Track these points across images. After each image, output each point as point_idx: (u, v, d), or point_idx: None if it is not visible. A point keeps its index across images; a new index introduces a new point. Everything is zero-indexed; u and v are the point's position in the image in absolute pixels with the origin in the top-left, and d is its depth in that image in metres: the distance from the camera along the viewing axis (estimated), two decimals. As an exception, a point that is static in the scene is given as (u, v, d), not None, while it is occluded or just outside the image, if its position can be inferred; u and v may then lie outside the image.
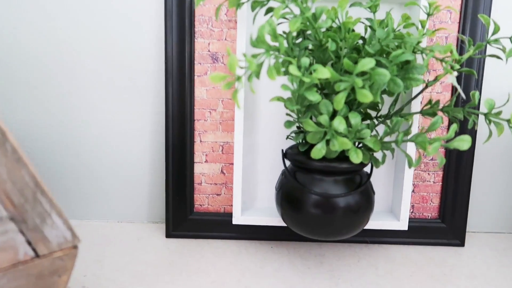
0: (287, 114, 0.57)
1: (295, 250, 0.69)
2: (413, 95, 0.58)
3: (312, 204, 0.55)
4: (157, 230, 0.75)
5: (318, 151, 0.51)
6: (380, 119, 0.59)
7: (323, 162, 0.55)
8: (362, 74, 0.49)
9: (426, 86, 0.56)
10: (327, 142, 0.52)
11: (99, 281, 0.58)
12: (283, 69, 0.52)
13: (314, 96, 0.49)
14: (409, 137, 0.51)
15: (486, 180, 0.74)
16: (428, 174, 0.70)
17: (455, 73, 0.48)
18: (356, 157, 0.51)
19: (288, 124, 0.54)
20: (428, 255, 0.68)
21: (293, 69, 0.46)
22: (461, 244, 0.70)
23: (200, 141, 0.70)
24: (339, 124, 0.50)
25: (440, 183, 0.70)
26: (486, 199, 0.75)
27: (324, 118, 0.50)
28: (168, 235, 0.71)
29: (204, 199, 0.71)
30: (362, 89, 0.46)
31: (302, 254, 0.67)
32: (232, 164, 0.70)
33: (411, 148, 0.63)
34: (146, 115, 0.73)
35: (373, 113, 0.63)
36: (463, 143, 0.47)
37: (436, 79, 0.54)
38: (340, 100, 0.48)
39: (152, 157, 0.75)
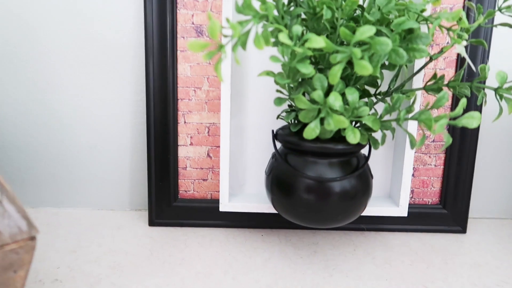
0: (278, 91, 0.52)
1: (287, 238, 0.64)
2: (415, 70, 0.53)
3: (304, 189, 0.50)
4: (140, 218, 0.70)
5: (311, 131, 0.46)
6: (379, 97, 0.54)
7: (316, 143, 0.50)
8: (361, 44, 0.44)
9: (430, 60, 0.50)
10: (321, 120, 0.47)
11: (73, 273, 0.53)
12: (272, 40, 0.47)
13: (307, 69, 0.43)
14: (411, 114, 0.46)
15: (490, 162, 0.70)
16: (429, 157, 0.65)
17: (464, 43, 0.43)
18: (353, 137, 0.46)
19: (278, 101, 0.49)
20: (428, 242, 0.64)
21: (283, 37, 0.41)
22: (463, 230, 0.67)
23: (185, 122, 0.64)
24: (335, 100, 0.45)
25: (442, 167, 0.65)
26: (489, 182, 0.71)
27: (318, 94, 0.45)
28: (151, 223, 0.67)
29: (189, 185, 0.67)
30: (361, 60, 0.41)
31: (295, 242, 0.63)
32: (219, 147, 0.64)
33: (412, 129, 0.58)
34: (125, 95, 0.68)
35: (371, 91, 0.57)
36: (472, 120, 0.42)
37: (441, 51, 0.49)
38: (336, 73, 0.43)
39: (134, 140, 0.70)
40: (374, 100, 0.55)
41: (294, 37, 0.44)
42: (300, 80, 0.50)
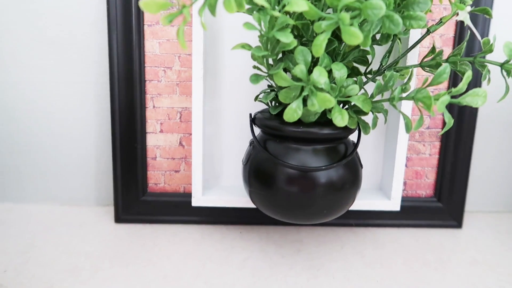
0: (255, 67, 0.45)
1: (268, 235, 0.58)
2: (409, 46, 0.47)
3: (286, 180, 0.44)
4: (106, 215, 0.63)
5: (293, 112, 0.40)
6: (370, 76, 0.48)
7: (299, 127, 0.44)
8: (350, 11, 0.38)
9: (428, 32, 0.45)
10: (304, 100, 0.41)
11: (20, 278, 0.46)
12: (248, 7, 0.40)
13: (287, 37, 0.37)
14: (407, 93, 0.40)
15: (488, 152, 0.65)
16: (423, 145, 0.59)
17: (468, 8, 0.37)
18: (341, 119, 0.40)
19: (255, 78, 0.42)
20: (422, 239, 0.58)
21: (258, -2, 0.35)
22: (459, 225, 0.61)
23: (153, 106, 0.57)
24: (320, 76, 0.38)
25: (437, 156, 0.60)
26: (486, 173, 0.66)
27: (300, 69, 0.39)
28: (117, 219, 0.60)
29: (160, 177, 0.60)
30: (350, 27, 0.35)
31: (276, 240, 0.57)
32: (193, 134, 0.58)
33: (406, 110, 0.52)
34: (88, 76, 0.61)
35: (361, 69, 0.51)
36: (477, 98, 0.37)
37: (440, 21, 0.43)
38: (320, 43, 0.37)
39: (99, 128, 0.63)
40: (364, 79, 0.49)
41: (272, 0, 0.37)
42: (280, 55, 0.44)
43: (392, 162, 0.56)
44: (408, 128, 0.40)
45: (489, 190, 0.66)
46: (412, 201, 0.60)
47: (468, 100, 0.37)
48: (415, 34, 0.48)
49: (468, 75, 0.35)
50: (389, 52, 0.46)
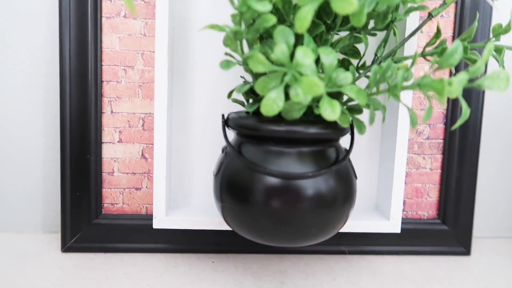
0: (227, 54, 0.38)
1: (246, 265, 0.49)
2: (407, 34, 0.41)
3: (264, 191, 0.36)
4: (52, 243, 0.53)
5: (272, 103, 0.32)
6: (362, 70, 0.41)
7: (281, 125, 0.36)
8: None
9: (430, 17, 0.38)
10: (287, 94, 0.33)
11: None
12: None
13: (263, 5, 0.30)
14: (410, 82, 0.33)
15: (494, 165, 0.58)
16: (423, 158, 0.52)
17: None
18: (331, 112, 0.32)
19: (226, 63, 0.35)
20: (426, 268, 0.49)
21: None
22: (467, 252, 0.53)
23: (111, 111, 0.49)
24: (304, 56, 0.31)
25: (439, 171, 0.52)
26: (492, 194, 0.58)
27: (281, 49, 0.32)
28: (65, 248, 0.50)
29: (118, 196, 0.50)
30: (341, -10, 0.28)
31: (255, 271, 0.47)
32: (157, 144, 0.49)
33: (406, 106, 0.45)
34: (36, 77, 0.52)
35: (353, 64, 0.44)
36: (498, 82, 0.30)
37: (444, 3, 0.37)
38: (305, 16, 0.30)
39: (48, 139, 0.54)
40: (356, 75, 0.42)
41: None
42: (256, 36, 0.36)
43: (389, 176, 0.48)
44: (414, 122, 0.33)
45: (496, 213, 0.59)
46: (413, 223, 0.52)
47: (487, 83, 0.29)
48: (413, 20, 0.41)
49: (490, 48, 0.28)
50: (384, 41, 0.39)
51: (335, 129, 0.37)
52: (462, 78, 0.27)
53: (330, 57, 0.34)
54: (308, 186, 0.36)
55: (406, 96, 0.44)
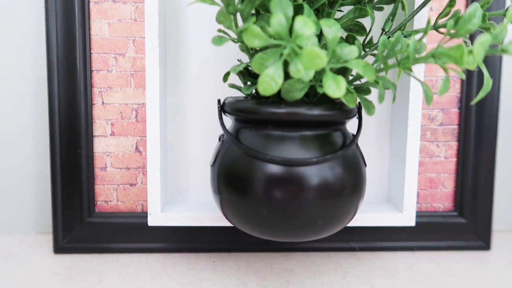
0: (220, 31, 0.35)
1: (249, 264, 0.45)
2: (416, 6, 0.37)
3: (265, 180, 0.33)
4: (45, 244, 0.50)
5: (270, 80, 0.29)
6: (369, 47, 0.38)
7: (281, 106, 0.33)
8: None
9: (442, -14, 0.35)
10: (285, 65, 0.30)
11: None
12: None
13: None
14: (423, 54, 0.30)
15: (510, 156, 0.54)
16: (437, 146, 0.48)
17: None
18: (336, 88, 0.29)
19: (218, 39, 0.32)
20: (443, 264, 0.46)
21: None
22: (487, 247, 0.49)
23: (102, 103, 0.46)
24: (304, 26, 0.28)
25: (455, 159, 0.49)
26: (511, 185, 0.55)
27: (279, 20, 0.29)
28: (57, 249, 0.47)
29: (111, 192, 0.48)
30: None
31: (259, 270, 0.44)
32: (152, 137, 0.46)
33: (416, 83, 0.42)
34: (22, 68, 0.50)
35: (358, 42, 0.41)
36: (525, 47, 0.26)
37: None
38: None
39: (38, 135, 0.51)
40: (363, 53, 0.38)
41: None
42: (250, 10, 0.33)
43: (401, 164, 0.44)
44: (429, 98, 0.29)
45: (517, 203, 0.55)
46: (427, 216, 0.48)
47: (510, 48, 0.26)
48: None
49: (510, 14, 0.25)
50: (392, 14, 0.36)
51: (341, 110, 0.34)
52: (484, 40, 0.24)
53: (333, 29, 0.31)
54: (312, 173, 0.32)
55: (418, 71, 0.41)
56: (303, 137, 0.33)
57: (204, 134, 0.48)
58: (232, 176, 0.35)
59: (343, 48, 0.31)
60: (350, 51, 0.31)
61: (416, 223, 0.47)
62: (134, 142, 0.47)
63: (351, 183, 0.34)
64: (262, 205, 0.33)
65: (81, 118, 0.46)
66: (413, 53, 0.29)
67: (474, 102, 0.29)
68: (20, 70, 0.49)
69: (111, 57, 0.46)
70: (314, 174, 0.33)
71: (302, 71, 0.29)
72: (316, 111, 0.33)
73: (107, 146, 0.47)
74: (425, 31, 0.30)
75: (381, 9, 0.36)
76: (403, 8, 0.38)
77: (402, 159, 0.44)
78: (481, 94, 0.27)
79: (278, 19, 0.29)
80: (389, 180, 0.48)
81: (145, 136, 0.47)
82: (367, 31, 0.37)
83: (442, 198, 0.49)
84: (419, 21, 0.38)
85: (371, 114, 0.33)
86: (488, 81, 0.27)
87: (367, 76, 0.31)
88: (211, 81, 0.47)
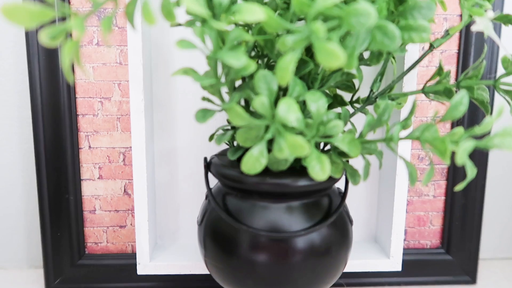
0: (205, 99, 0.34)
1: (238, 305, 0.46)
2: (406, 67, 0.37)
3: (250, 247, 0.33)
4: (37, 280, 0.50)
5: (254, 162, 0.29)
6: (357, 106, 0.38)
7: (266, 178, 0.32)
8: (326, 20, 0.27)
9: (431, 48, 0.34)
10: (270, 144, 0.30)
11: None
12: (187, 18, 0.30)
13: (237, 59, 0.26)
14: (408, 131, 0.29)
15: (500, 187, 0.54)
16: (426, 185, 0.48)
17: (490, 13, 0.26)
18: (320, 171, 0.29)
19: (201, 114, 0.31)
20: (429, 302, 0.47)
21: (191, 2, 0.24)
22: (472, 281, 0.50)
23: (89, 147, 0.46)
24: (288, 111, 0.27)
25: (443, 198, 0.49)
26: (500, 213, 0.55)
27: (261, 102, 0.28)
28: (48, 289, 0.47)
29: (101, 234, 0.48)
30: (326, 43, 0.24)
31: (248, 312, 0.45)
32: (140, 180, 0.46)
33: (404, 150, 0.42)
34: (9, 110, 0.49)
35: (347, 97, 0.40)
36: (510, 139, 0.26)
37: (447, 34, 0.33)
38: (286, 66, 0.26)
39: (26, 173, 0.51)
40: (351, 110, 0.38)
41: (216, 5, 0.26)
42: (235, 84, 0.33)
43: (389, 207, 0.44)
44: (413, 179, 0.29)
45: (503, 233, 0.56)
46: (415, 253, 0.49)
47: (497, 142, 0.26)
48: (412, 51, 0.37)
49: (500, 109, 0.24)
50: (381, 74, 0.35)
51: (327, 179, 0.33)
52: (467, 147, 0.24)
53: (318, 103, 0.30)
54: (299, 240, 0.33)
55: (405, 145, 0.41)
56: (289, 208, 0.33)
57: (194, 178, 0.47)
58: (218, 241, 0.35)
59: (328, 122, 0.31)
60: (335, 126, 0.31)
61: (404, 260, 0.48)
62: (123, 185, 0.47)
63: (337, 245, 0.35)
64: (246, 271, 0.33)
65: (67, 163, 0.45)
66: (397, 135, 0.29)
67: (458, 188, 0.28)
68: (7, 109, 0.49)
69: (97, 101, 0.45)
70: (301, 241, 0.33)
71: (287, 152, 0.28)
72: (302, 182, 0.32)
73: (95, 189, 0.47)
74: (411, 111, 0.29)
75: (369, 65, 0.36)
76: (394, 61, 0.37)
77: (390, 201, 0.44)
78: (465, 182, 0.27)
79: (261, 101, 0.28)
80: (377, 219, 0.49)
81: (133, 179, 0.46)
82: (356, 88, 0.36)
83: (430, 236, 0.50)
84: (410, 80, 0.38)
85: (356, 183, 0.33)
86: (472, 170, 0.26)
87: (352, 154, 0.30)
88: (201, 126, 0.46)
